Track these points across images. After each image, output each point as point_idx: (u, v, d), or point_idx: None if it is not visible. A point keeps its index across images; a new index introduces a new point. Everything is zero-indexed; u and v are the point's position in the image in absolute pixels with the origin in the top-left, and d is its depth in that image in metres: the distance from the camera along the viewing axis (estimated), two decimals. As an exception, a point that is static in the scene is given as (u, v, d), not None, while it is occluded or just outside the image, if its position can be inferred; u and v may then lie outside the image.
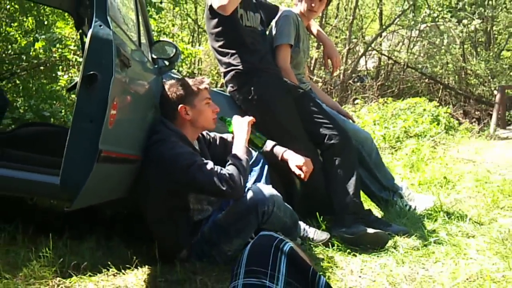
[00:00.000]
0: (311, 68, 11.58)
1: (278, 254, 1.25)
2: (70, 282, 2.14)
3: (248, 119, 2.74)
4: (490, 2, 14.25)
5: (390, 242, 2.77)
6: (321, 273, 2.31)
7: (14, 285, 1.98)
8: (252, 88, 3.10)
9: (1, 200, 2.97)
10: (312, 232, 2.87)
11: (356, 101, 11.44)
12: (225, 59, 3.18)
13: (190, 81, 2.69)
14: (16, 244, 2.45)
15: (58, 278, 2.15)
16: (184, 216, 2.55)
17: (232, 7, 2.92)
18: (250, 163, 2.79)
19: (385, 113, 8.92)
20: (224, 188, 2.36)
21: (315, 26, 3.71)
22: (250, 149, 2.78)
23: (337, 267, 2.49)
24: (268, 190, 2.56)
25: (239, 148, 2.59)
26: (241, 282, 1.22)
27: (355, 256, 2.65)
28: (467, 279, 2.21)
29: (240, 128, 2.70)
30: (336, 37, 14.29)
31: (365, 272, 2.41)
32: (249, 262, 1.24)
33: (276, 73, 3.25)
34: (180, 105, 2.61)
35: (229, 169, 2.43)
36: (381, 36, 14.10)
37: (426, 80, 14.95)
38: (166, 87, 2.68)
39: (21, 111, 5.55)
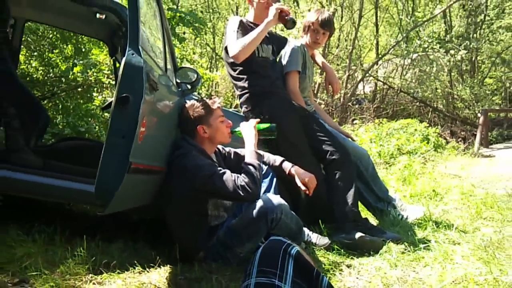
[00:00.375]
0: (315, 92, 11.58)
1: (286, 257, 1.26)
2: (101, 278, 2.15)
3: (253, 122, 2.76)
4: (475, 35, 14.23)
5: (385, 248, 2.75)
6: (322, 274, 2.32)
7: (52, 280, 1.98)
8: (263, 109, 3.12)
9: (42, 205, 3.00)
10: (315, 238, 2.86)
11: (354, 121, 11.42)
12: (240, 83, 3.21)
13: (204, 102, 2.71)
14: (54, 244, 2.46)
15: (90, 275, 2.16)
16: (202, 221, 2.56)
17: (244, 57, 3.00)
18: (263, 172, 2.81)
19: (380, 132, 8.88)
20: (242, 194, 2.41)
21: (318, 55, 3.73)
22: (261, 153, 2.79)
23: (337, 269, 2.47)
24: (276, 199, 2.56)
25: (250, 155, 2.61)
26: (253, 281, 1.22)
27: (353, 259, 2.64)
28: (453, 281, 2.19)
29: (248, 134, 2.72)
30: (337, 64, 14.29)
31: (362, 274, 2.39)
32: (261, 263, 1.25)
33: (285, 96, 3.27)
34: (198, 126, 2.64)
35: (245, 177, 2.45)
36: (377, 64, 14.09)
37: (417, 104, 14.88)
38: (185, 108, 2.70)
39: (60, 127, 5.58)
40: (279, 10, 3.04)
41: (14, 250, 2.27)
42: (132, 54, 2.15)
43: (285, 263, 1.24)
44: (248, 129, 2.74)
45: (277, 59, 3.49)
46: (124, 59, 2.14)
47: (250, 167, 2.51)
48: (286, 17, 3.05)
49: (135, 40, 2.20)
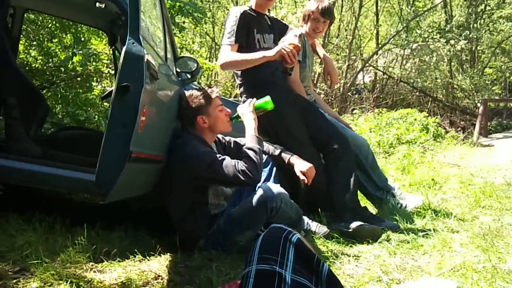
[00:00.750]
0: (315, 82, 11.55)
1: (287, 244, 1.26)
2: (101, 266, 2.15)
3: (251, 105, 2.75)
4: (475, 25, 14.19)
5: (384, 236, 2.75)
6: (323, 261, 2.33)
7: (53, 268, 1.99)
8: None
9: (42, 194, 3.00)
10: (314, 226, 2.87)
11: (354, 111, 11.40)
12: (240, 73, 3.19)
13: (203, 92, 2.70)
14: (55, 233, 2.46)
15: (91, 263, 2.16)
16: (202, 210, 2.57)
17: (227, 69, 2.98)
18: (263, 161, 2.82)
19: (380, 122, 8.87)
20: (243, 178, 2.41)
21: (319, 45, 3.72)
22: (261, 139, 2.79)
23: (336, 257, 2.48)
24: (276, 188, 2.58)
25: (251, 140, 2.60)
26: (254, 268, 1.23)
27: (352, 247, 2.65)
28: (451, 269, 2.20)
29: (247, 118, 2.72)
30: (337, 54, 14.25)
31: (361, 261, 2.40)
32: (262, 250, 1.25)
33: (285, 86, 3.26)
34: (198, 116, 2.63)
35: (245, 161, 2.46)
36: (377, 54, 14.05)
37: (417, 93, 14.86)
38: (184, 98, 2.69)
39: (60, 117, 5.58)
40: (284, 52, 2.85)
41: (14, 239, 2.27)
42: (133, 43, 2.15)
43: (286, 250, 1.25)
44: (247, 113, 2.73)
45: None
46: (124, 48, 2.14)
47: (251, 151, 2.51)
48: (287, 65, 2.92)
49: (136, 29, 2.19)
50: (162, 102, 2.55)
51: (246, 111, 2.74)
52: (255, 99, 2.83)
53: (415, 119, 9.06)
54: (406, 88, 14.89)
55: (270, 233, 1.31)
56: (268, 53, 2.93)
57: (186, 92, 2.73)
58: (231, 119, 2.76)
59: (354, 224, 2.86)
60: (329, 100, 12.75)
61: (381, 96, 14.41)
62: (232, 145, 2.89)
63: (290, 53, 2.83)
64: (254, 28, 3.14)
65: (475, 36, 13.74)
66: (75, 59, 5.77)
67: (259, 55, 2.97)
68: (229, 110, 2.74)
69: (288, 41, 3.01)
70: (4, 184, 2.83)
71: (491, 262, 2.18)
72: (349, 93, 13.38)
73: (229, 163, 2.43)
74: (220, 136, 2.85)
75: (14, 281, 1.89)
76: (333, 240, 2.76)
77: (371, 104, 12.89)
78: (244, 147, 2.58)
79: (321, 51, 3.68)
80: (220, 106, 2.70)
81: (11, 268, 1.99)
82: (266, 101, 2.79)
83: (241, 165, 2.43)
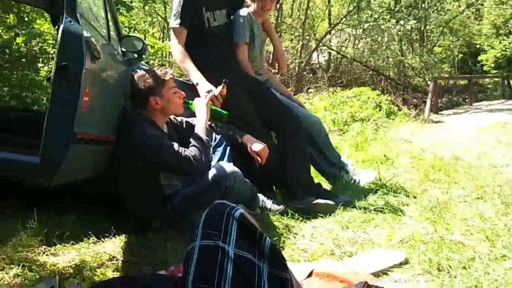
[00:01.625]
0: (269, 61, 11.58)
1: (230, 219, 1.28)
2: (54, 250, 2.13)
3: (207, 99, 2.75)
4: (423, 5, 14.54)
5: (337, 211, 2.82)
6: (276, 238, 2.39)
7: (4, 252, 1.96)
8: (211, 81, 3.06)
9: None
10: (269, 203, 2.91)
11: (309, 90, 11.53)
12: (189, 55, 3.14)
13: (156, 73, 2.65)
14: (5, 218, 2.41)
15: (43, 246, 2.13)
16: (154, 191, 2.55)
17: None
18: (214, 143, 2.82)
19: (334, 100, 9.02)
20: (186, 168, 2.43)
21: (271, 28, 3.71)
22: (213, 125, 2.80)
23: (291, 232, 2.54)
24: (229, 167, 2.60)
25: (200, 130, 2.60)
26: (198, 243, 1.25)
27: (306, 223, 2.70)
28: (401, 240, 2.30)
29: (200, 110, 2.70)
30: (291, 34, 14.33)
31: (315, 236, 2.46)
32: (205, 226, 1.28)
33: (235, 67, 3.24)
34: (150, 97, 2.60)
35: (192, 150, 2.46)
36: (330, 34, 14.22)
37: (370, 72, 15.17)
38: (135, 79, 2.64)
39: (7, 99, 5.39)
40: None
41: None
42: (70, 21, 2.09)
43: (229, 225, 1.27)
44: (201, 105, 2.72)
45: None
46: (61, 27, 2.08)
47: (198, 141, 2.52)
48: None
49: (72, 7, 2.14)
50: (106, 82, 2.51)
51: (201, 102, 2.73)
52: (215, 90, 2.81)
53: (368, 98, 9.26)
54: (360, 67, 15.16)
55: (213, 209, 1.33)
56: (201, 88, 2.95)
57: (138, 72, 2.68)
58: (185, 102, 2.74)
59: (308, 200, 2.92)
60: (285, 80, 12.83)
61: (336, 75, 14.62)
62: (184, 125, 2.87)
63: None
64: (203, 6, 3.10)
65: (423, 16, 14.09)
66: (18, 39, 5.55)
67: (195, 79, 3.00)
68: (183, 92, 2.72)
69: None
70: None
71: (438, 233, 2.29)
72: (304, 73, 13.50)
73: (175, 150, 2.43)
74: (172, 116, 2.83)
75: (-37, 267, 1.84)
76: (288, 216, 2.81)
77: (326, 83, 13.06)
78: (192, 136, 2.57)
79: (271, 33, 3.68)
80: (174, 88, 2.67)
81: (-40, 256, 1.94)
82: (223, 113, 2.80)
83: (187, 153, 2.44)
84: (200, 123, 2.65)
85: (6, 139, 2.80)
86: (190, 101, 2.77)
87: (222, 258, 1.22)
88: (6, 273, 1.86)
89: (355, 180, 3.44)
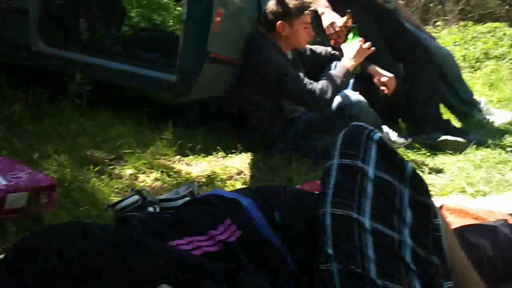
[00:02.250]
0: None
1: (368, 141, 1.25)
2: (188, 160, 2.28)
3: (367, 50, 2.61)
4: None
5: (468, 149, 2.69)
6: (406, 160, 2.33)
7: (144, 158, 2.14)
8: (339, 12, 2.91)
9: (125, 93, 3.08)
10: (394, 136, 2.83)
11: (437, 24, 10.78)
12: None
13: (297, 3, 2.61)
14: (142, 127, 2.58)
15: (178, 156, 2.29)
16: (279, 113, 2.61)
17: None
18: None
19: (465, 35, 8.38)
20: (308, 101, 2.47)
21: None
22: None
23: (417, 166, 2.46)
24: (355, 96, 2.57)
25: (341, 69, 2.56)
26: (337, 162, 1.23)
27: (434, 159, 2.62)
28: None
29: (351, 51, 2.59)
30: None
31: (444, 173, 2.39)
32: (343, 146, 1.25)
33: None
34: (280, 21, 2.58)
35: (321, 84, 2.45)
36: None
37: (507, 7, 13.75)
38: (273, 1, 2.62)
39: (136, 20, 5.66)
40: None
41: (107, 131, 2.42)
42: None
43: (368, 146, 1.24)
44: (356, 48, 2.59)
45: None
46: None
47: (332, 79, 2.50)
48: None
49: None
50: (237, 4, 2.53)
51: (358, 45, 2.60)
52: (339, 21, 2.72)
53: (504, 34, 8.47)
54: (495, 0, 13.79)
55: (351, 130, 1.29)
56: (325, 18, 2.78)
57: None
58: (348, 32, 2.66)
59: (436, 136, 2.81)
60: (409, 11, 12.09)
61: (467, 8, 13.45)
62: (308, 53, 2.85)
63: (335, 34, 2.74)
64: None
65: None
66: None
67: (321, 8, 2.80)
68: (313, 32, 2.67)
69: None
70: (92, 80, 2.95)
71: None
72: (431, 4, 12.59)
73: (300, 81, 2.43)
74: None
75: (111, 167, 2.05)
76: (414, 150, 2.72)
77: (456, 17, 12.10)
78: (328, 73, 2.56)
79: None
80: (307, 24, 2.63)
81: (106, 156, 2.15)
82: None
83: (313, 86, 2.43)
84: (346, 63, 2.58)
85: (143, 56, 2.98)
86: (355, 33, 2.68)
87: (361, 178, 1.19)
88: (147, 176, 2.04)
89: (488, 120, 3.25)
